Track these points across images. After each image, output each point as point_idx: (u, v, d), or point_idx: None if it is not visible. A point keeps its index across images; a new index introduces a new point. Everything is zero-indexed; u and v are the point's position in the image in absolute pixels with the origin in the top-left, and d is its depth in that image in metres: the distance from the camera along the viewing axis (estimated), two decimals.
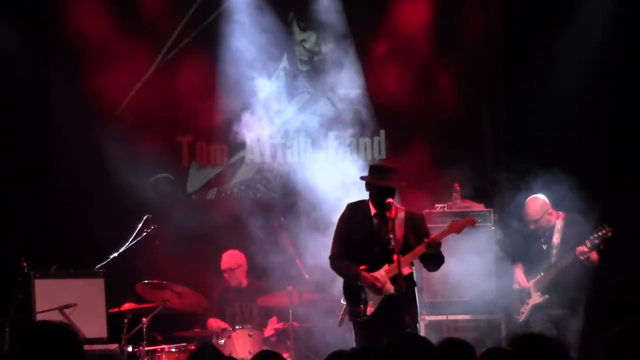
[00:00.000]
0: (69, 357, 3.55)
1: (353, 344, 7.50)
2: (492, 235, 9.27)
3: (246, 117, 10.54)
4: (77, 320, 8.35)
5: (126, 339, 8.78)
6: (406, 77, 10.39)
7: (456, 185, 9.63)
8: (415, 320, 7.49)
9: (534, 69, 10.24)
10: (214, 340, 9.07)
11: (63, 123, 10.70)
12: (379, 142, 10.79)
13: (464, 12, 10.64)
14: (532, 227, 8.81)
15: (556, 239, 8.74)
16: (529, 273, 8.83)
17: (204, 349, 4.45)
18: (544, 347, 3.81)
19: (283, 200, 10.60)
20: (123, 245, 9.16)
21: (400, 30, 10.50)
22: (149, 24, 10.59)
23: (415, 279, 7.65)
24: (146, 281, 9.09)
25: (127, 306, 9.00)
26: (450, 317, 9.31)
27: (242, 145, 10.81)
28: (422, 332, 9.15)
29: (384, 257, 7.52)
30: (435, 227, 9.15)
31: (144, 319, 8.84)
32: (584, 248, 8.48)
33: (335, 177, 9.76)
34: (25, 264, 8.86)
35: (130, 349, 8.77)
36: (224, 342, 8.99)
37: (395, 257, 7.35)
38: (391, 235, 7.43)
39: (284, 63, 10.84)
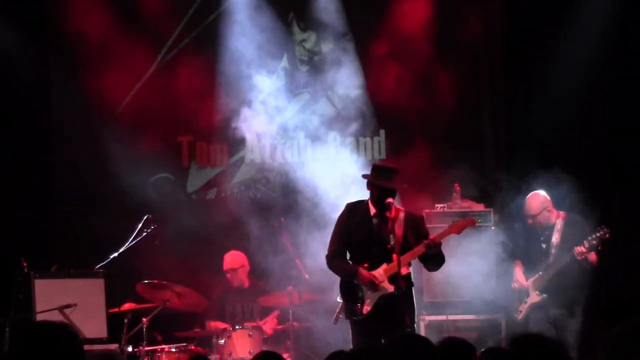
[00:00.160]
0: (69, 357, 3.55)
1: (350, 343, 7.51)
2: (493, 235, 9.27)
3: (246, 117, 10.54)
4: (77, 320, 8.35)
5: (126, 339, 8.78)
6: (406, 77, 10.39)
7: (456, 185, 9.64)
8: (413, 321, 7.49)
9: (534, 69, 10.24)
10: (214, 340, 9.07)
11: (63, 123, 10.70)
12: (379, 142, 10.79)
13: (464, 12, 10.64)
14: (529, 221, 8.83)
15: (555, 238, 8.74)
16: (528, 271, 8.84)
17: None
18: (543, 347, 3.81)
19: (283, 200, 10.61)
20: (123, 245, 9.16)
21: (400, 30, 10.50)
22: (149, 23, 10.58)
23: (412, 279, 7.66)
24: (146, 281, 9.09)
25: (127, 306, 8.99)
26: (450, 317, 9.31)
27: (242, 145, 10.81)
28: (422, 332, 9.16)
29: (383, 257, 7.52)
30: (435, 227, 9.15)
31: (144, 319, 8.84)
32: (581, 249, 8.49)
33: (336, 177, 9.77)
34: (25, 264, 8.86)
35: (130, 349, 8.77)
36: (224, 342, 8.99)
37: (394, 256, 7.35)
38: (391, 235, 7.43)
39: (284, 63, 10.84)
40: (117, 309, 8.95)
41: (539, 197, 8.81)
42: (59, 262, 9.36)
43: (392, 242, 7.42)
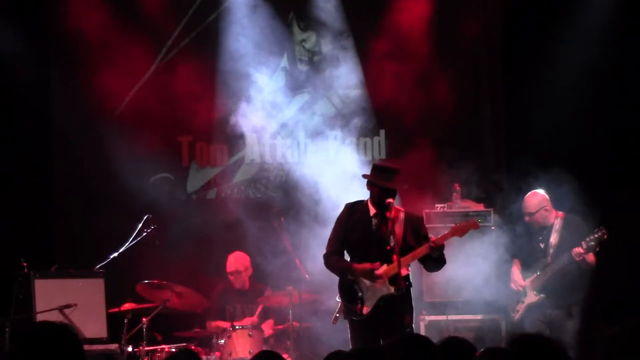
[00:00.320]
0: (70, 358, 3.55)
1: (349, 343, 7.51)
2: (493, 235, 9.27)
3: (246, 117, 10.54)
4: (77, 320, 8.36)
5: (126, 339, 8.78)
6: (406, 77, 10.38)
7: (456, 185, 9.64)
8: (412, 321, 7.49)
9: (534, 69, 10.24)
10: (214, 340, 9.07)
11: (63, 123, 10.70)
12: (379, 142, 10.79)
13: (464, 11, 10.64)
14: (527, 219, 8.84)
15: (554, 238, 8.75)
16: (526, 271, 8.84)
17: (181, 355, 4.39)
18: (543, 347, 3.81)
19: (283, 200, 10.61)
20: (123, 245, 9.16)
21: (400, 30, 10.49)
22: (149, 24, 10.58)
23: (412, 280, 7.66)
24: (146, 281, 9.09)
25: (127, 306, 8.99)
26: (450, 317, 9.32)
27: (242, 145, 10.81)
28: (422, 332, 9.16)
29: (382, 257, 7.52)
30: (435, 227, 9.17)
31: (144, 319, 8.84)
32: (579, 249, 8.49)
33: (336, 176, 9.77)
34: (25, 264, 8.86)
35: (130, 349, 8.77)
36: (224, 342, 8.99)
37: (394, 257, 7.35)
38: (391, 236, 7.43)
39: (284, 63, 10.84)
40: (117, 309, 8.95)
41: (537, 196, 8.82)
42: (59, 262, 9.36)
43: (392, 243, 7.43)
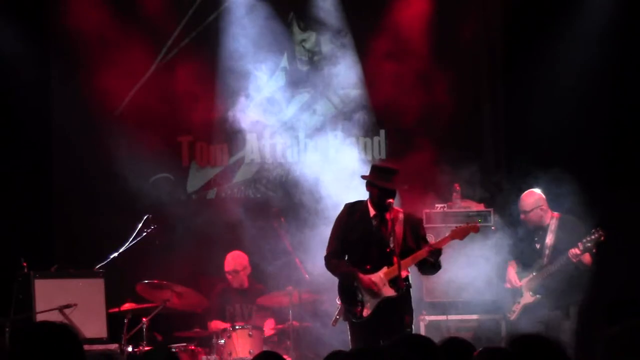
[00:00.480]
0: (70, 358, 3.55)
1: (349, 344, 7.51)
2: (493, 235, 9.26)
3: (246, 117, 10.55)
4: (77, 320, 8.36)
5: (126, 339, 8.77)
6: (406, 77, 10.38)
7: (456, 185, 9.64)
8: (412, 321, 7.48)
9: (534, 69, 10.24)
10: (213, 340, 9.07)
11: (63, 123, 10.70)
12: (379, 142, 10.79)
13: (464, 11, 10.64)
14: (522, 217, 8.84)
15: (550, 239, 8.74)
16: (521, 272, 8.83)
17: (155, 351, 4.37)
18: (543, 347, 3.81)
19: (283, 200, 10.61)
20: (123, 245, 9.16)
21: (401, 30, 10.49)
22: (149, 23, 10.58)
23: (411, 280, 7.66)
24: (146, 281, 9.09)
25: (127, 306, 8.99)
26: (450, 317, 9.31)
27: (242, 145, 10.81)
28: (422, 332, 9.15)
29: (382, 258, 7.52)
30: (435, 227, 9.18)
31: (144, 319, 8.84)
32: (576, 251, 8.48)
33: (336, 177, 9.77)
34: (25, 264, 8.85)
35: (130, 349, 8.77)
36: (224, 342, 8.99)
37: (395, 259, 7.34)
38: (391, 237, 7.43)
39: (284, 63, 10.84)
40: (117, 309, 8.94)
41: (534, 195, 8.83)
42: (59, 262, 9.36)
43: (392, 245, 7.42)
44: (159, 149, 10.56)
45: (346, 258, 7.72)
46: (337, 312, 7.72)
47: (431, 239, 8.27)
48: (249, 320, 9.44)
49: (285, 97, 10.75)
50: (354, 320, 7.54)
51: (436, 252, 7.46)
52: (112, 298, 9.02)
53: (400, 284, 7.33)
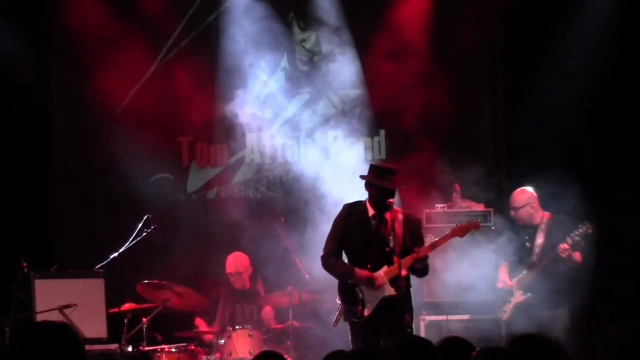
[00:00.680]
0: (71, 358, 3.55)
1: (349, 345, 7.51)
2: (493, 235, 9.26)
3: (246, 117, 10.55)
4: (77, 320, 8.35)
5: (126, 339, 8.77)
6: (406, 77, 10.38)
7: (456, 185, 9.64)
8: (412, 321, 7.49)
9: (534, 69, 10.24)
10: (214, 340, 9.07)
11: (64, 123, 10.70)
12: (379, 142, 10.79)
13: (464, 12, 10.63)
14: (512, 214, 8.85)
15: (540, 238, 8.73)
16: (513, 270, 8.81)
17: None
18: (543, 347, 3.81)
19: (283, 200, 10.61)
20: (123, 245, 9.16)
21: (401, 30, 10.49)
22: (149, 24, 10.58)
23: (411, 280, 7.67)
24: (146, 281, 9.09)
25: (127, 306, 8.99)
26: (450, 317, 9.31)
27: (242, 145, 10.81)
28: (422, 332, 9.17)
29: (382, 258, 7.52)
30: (435, 227, 9.17)
31: (144, 319, 8.84)
32: (564, 245, 8.46)
33: (336, 176, 9.77)
34: (25, 264, 8.85)
35: (130, 349, 8.77)
36: (224, 342, 8.99)
37: (395, 258, 7.34)
38: (390, 237, 7.43)
39: (284, 63, 10.84)
40: (117, 309, 8.94)
41: (525, 193, 8.84)
42: (59, 262, 9.36)
43: (391, 244, 7.42)
44: (159, 149, 10.55)
45: (345, 259, 7.72)
46: (338, 313, 7.72)
47: (431, 238, 8.28)
48: (250, 320, 9.44)
49: (285, 97, 10.75)
50: (354, 320, 7.54)
51: (423, 259, 7.47)
52: (112, 298, 9.02)
53: (400, 283, 7.33)
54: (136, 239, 9.19)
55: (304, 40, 10.89)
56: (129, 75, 10.64)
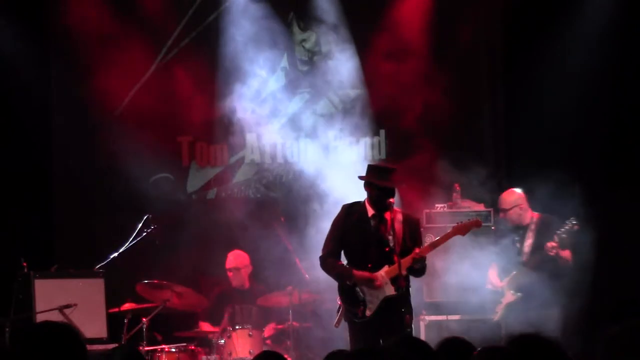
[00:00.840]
0: (73, 358, 3.55)
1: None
2: (492, 235, 9.26)
3: (246, 117, 10.55)
4: (77, 320, 8.34)
5: (126, 339, 8.77)
6: (406, 77, 10.37)
7: (456, 185, 9.63)
8: (412, 320, 7.48)
9: (534, 69, 10.24)
10: (214, 340, 9.06)
11: (64, 123, 10.70)
12: (379, 142, 10.78)
13: (464, 11, 10.63)
14: (501, 215, 8.84)
15: (529, 238, 8.72)
16: (503, 271, 8.79)
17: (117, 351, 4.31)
18: (542, 347, 3.81)
19: (283, 200, 10.61)
20: (123, 245, 9.16)
21: (401, 31, 10.49)
22: (149, 23, 10.58)
23: (411, 280, 7.67)
24: (146, 281, 9.09)
25: (127, 306, 8.99)
26: (450, 317, 9.30)
27: (242, 145, 10.81)
28: (422, 332, 9.17)
29: (382, 258, 7.51)
30: (435, 227, 9.17)
31: (144, 319, 8.84)
32: (552, 243, 8.45)
33: (335, 176, 9.77)
34: (25, 264, 8.86)
35: None
36: (224, 342, 8.99)
37: (395, 257, 7.34)
38: (390, 237, 7.43)
39: (284, 63, 10.83)
40: (117, 309, 8.95)
41: (513, 194, 8.84)
42: (59, 262, 9.36)
43: (391, 244, 7.42)
44: (159, 149, 10.55)
45: (345, 260, 7.71)
46: (339, 314, 7.70)
47: (431, 238, 8.28)
48: (250, 320, 9.43)
49: (285, 96, 10.74)
50: (355, 320, 7.53)
51: (420, 259, 7.46)
52: (112, 298, 9.02)
53: (401, 282, 7.33)
54: (136, 239, 9.19)
55: (304, 40, 10.89)
56: (129, 75, 10.64)
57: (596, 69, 9.98)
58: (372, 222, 7.59)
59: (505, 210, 8.81)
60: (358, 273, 7.49)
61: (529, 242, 8.70)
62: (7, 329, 8.54)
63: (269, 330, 9.35)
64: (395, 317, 7.35)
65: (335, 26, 10.61)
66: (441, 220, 9.37)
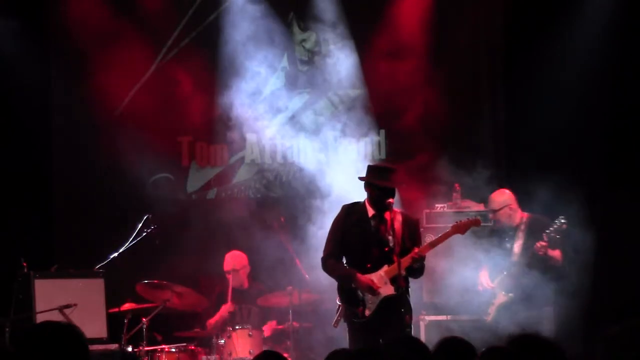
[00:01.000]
0: (75, 358, 3.55)
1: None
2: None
3: (246, 117, 10.55)
4: (77, 320, 8.30)
5: (126, 339, 8.77)
6: (406, 77, 10.38)
7: (456, 185, 9.63)
8: (411, 321, 7.48)
9: (534, 69, 10.24)
10: (214, 340, 9.07)
11: (64, 123, 10.71)
12: (379, 142, 10.78)
13: (464, 11, 10.64)
14: (490, 216, 8.83)
15: (520, 238, 8.71)
16: (494, 272, 8.78)
17: None
18: (541, 347, 3.81)
19: (283, 200, 10.61)
20: (123, 245, 9.16)
21: (401, 31, 10.50)
22: (149, 24, 10.59)
23: (410, 280, 7.67)
24: (146, 281, 9.09)
25: (127, 306, 8.99)
26: (451, 317, 9.30)
27: (242, 146, 10.81)
28: (422, 332, 9.17)
29: (382, 258, 7.51)
30: (435, 227, 9.16)
31: (144, 319, 8.84)
32: (541, 243, 8.43)
33: (335, 177, 9.77)
34: (25, 264, 8.86)
35: (130, 349, 8.77)
36: (224, 342, 8.99)
37: (395, 257, 7.34)
38: (390, 237, 7.43)
39: (284, 63, 10.84)
40: (117, 309, 8.94)
41: (503, 194, 8.83)
42: (59, 262, 9.36)
43: (391, 244, 7.42)
44: (159, 149, 10.56)
45: (344, 260, 7.71)
46: (337, 313, 7.71)
47: (431, 238, 8.27)
48: (249, 320, 9.43)
49: (285, 97, 10.75)
50: (355, 320, 7.53)
51: (420, 259, 7.47)
52: (112, 298, 9.02)
53: (400, 282, 7.33)
54: (136, 239, 9.19)
55: (304, 40, 10.89)
56: (129, 75, 10.65)
57: (596, 69, 9.98)
58: (372, 223, 7.59)
59: (495, 211, 8.79)
60: (360, 278, 7.48)
61: (519, 242, 8.69)
62: (7, 329, 8.53)
63: (268, 330, 9.35)
64: (394, 317, 7.34)
65: (336, 26, 10.61)
66: (441, 220, 9.37)
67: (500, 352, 3.91)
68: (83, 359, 3.57)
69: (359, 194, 7.86)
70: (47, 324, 3.67)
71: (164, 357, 8.84)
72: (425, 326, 9.26)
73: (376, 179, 7.56)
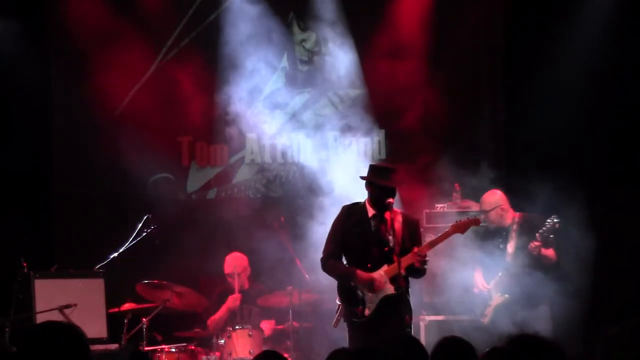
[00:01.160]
0: (76, 357, 3.55)
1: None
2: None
3: (246, 117, 10.55)
4: (77, 320, 8.29)
5: (126, 339, 8.77)
6: (406, 77, 10.38)
7: (456, 185, 9.64)
8: (411, 320, 7.48)
9: (534, 69, 10.24)
10: (213, 340, 9.07)
11: (64, 123, 10.71)
12: (379, 142, 10.78)
13: (465, 11, 10.64)
14: (482, 217, 8.82)
15: (512, 238, 8.70)
16: (489, 273, 8.77)
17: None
18: (541, 347, 3.81)
19: (283, 200, 10.61)
20: (123, 245, 9.16)
21: (401, 31, 10.50)
22: (149, 24, 10.59)
23: (410, 280, 7.67)
24: (146, 281, 9.09)
25: (127, 306, 8.99)
26: (451, 317, 9.30)
27: (242, 145, 10.81)
28: (422, 332, 9.17)
29: (382, 258, 7.52)
30: (435, 227, 9.17)
31: (144, 319, 8.84)
32: (535, 242, 8.42)
33: (335, 177, 9.78)
34: (25, 264, 8.86)
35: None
36: (224, 342, 8.99)
37: (395, 257, 7.34)
38: (390, 237, 7.43)
39: (284, 63, 10.84)
40: (117, 309, 8.94)
41: (494, 195, 8.82)
42: (59, 262, 9.36)
43: (391, 244, 7.43)
44: (159, 149, 10.56)
45: (344, 260, 7.71)
46: (338, 314, 7.71)
47: (431, 238, 8.27)
48: (250, 320, 9.43)
49: (285, 97, 10.75)
50: (355, 320, 7.53)
51: (424, 260, 7.46)
52: (112, 298, 9.02)
53: (400, 282, 7.34)
54: (136, 239, 9.19)
55: (304, 40, 10.89)
56: (129, 75, 10.65)
57: (596, 69, 9.98)
58: (373, 223, 7.60)
59: (486, 212, 8.78)
60: (360, 274, 7.48)
61: (512, 242, 8.68)
62: (7, 329, 8.53)
63: (268, 330, 9.35)
64: (394, 317, 7.34)
65: (335, 26, 10.61)
66: (441, 220, 9.37)
67: (503, 353, 3.90)
68: (84, 359, 3.57)
69: (359, 194, 7.87)
70: (48, 324, 3.67)
71: (164, 357, 8.83)
72: (425, 326, 9.26)
73: (377, 178, 7.57)
